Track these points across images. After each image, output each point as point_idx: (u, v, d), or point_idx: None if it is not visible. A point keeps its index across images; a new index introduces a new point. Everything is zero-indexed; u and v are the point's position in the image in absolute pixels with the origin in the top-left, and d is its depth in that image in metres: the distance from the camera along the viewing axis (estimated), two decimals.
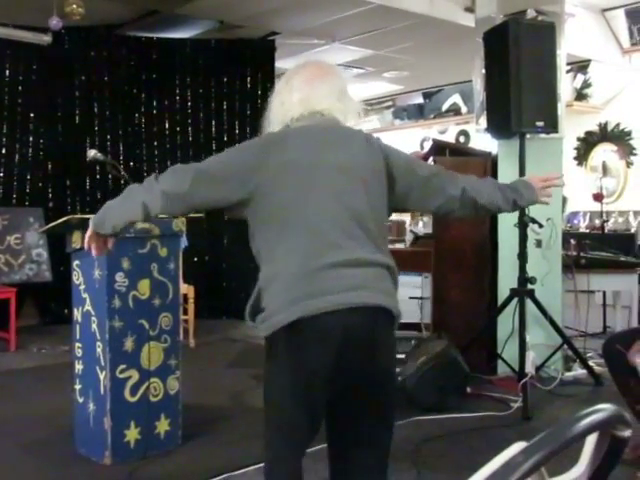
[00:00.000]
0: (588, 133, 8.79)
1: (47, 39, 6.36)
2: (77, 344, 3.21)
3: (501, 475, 0.67)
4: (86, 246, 1.93)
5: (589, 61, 8.32)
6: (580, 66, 8.45)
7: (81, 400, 3.19)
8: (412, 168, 1.93)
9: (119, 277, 3.06)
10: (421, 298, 5.92)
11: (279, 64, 7.47)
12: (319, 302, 1.69)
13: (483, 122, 4.71)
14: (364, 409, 1.83)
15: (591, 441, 0.84)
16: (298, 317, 1.69)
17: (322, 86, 1.91)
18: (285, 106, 1.93)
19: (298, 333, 1.71)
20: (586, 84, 8.59)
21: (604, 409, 0.78)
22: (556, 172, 2.15)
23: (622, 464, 2.99)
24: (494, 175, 4.67)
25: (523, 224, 4.04)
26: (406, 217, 6.87)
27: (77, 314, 3.20)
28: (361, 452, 1.87)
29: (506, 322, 4.28)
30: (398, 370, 4.15)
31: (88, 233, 1.90)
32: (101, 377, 3.06)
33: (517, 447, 0.72)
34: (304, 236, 1.75)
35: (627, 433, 0.82)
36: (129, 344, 3.09)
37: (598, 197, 6.88)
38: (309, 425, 1.84)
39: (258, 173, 1.80)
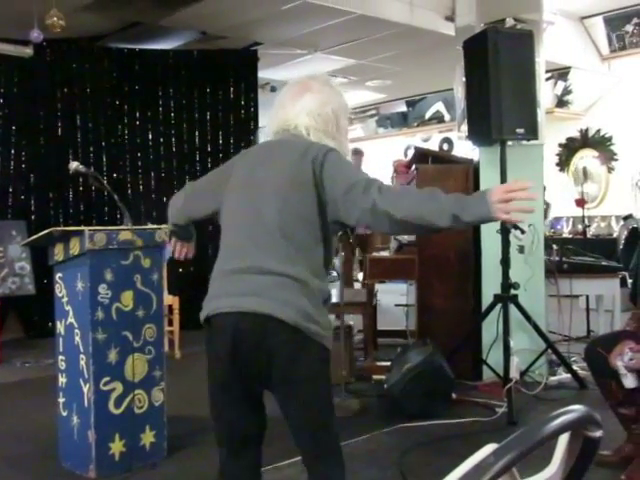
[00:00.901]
0: (569, 139, 8.89)
1: (28, 51, 6.34)
2: (60, 357, 3.19)
3: (472, 477, 0.68)
4: (171, 248, 2.35)
5: (569, 68, 8.42)
6: (560, 73, 8.55)
7: (65, 413, 3.17)
8: (336, 179, 1.85)
9: (102, 289, 3.05)
10: (406, 305, 5.93)
11: (262, 74, 7.51)
12: (218, 303, 1.87)
13: (465, 129, 4.75)
14: (284, 410, 1.92)
15: (563, 442, 0.85)
16: (206, 315, 1.90)
17: (297, 104, 1.99)
18: (271, 121, 2.08)
19: (208, 329, 1.92)
20: (567, 91, 8.69)
21: (574, 410, 0.79)
22: (526, 181, 1.70)
23: (607, 467, 3.00)
24: (476, 182, 4.71)
25: (505, 230, 4.07)
26: None
27: (60, 327, 3.18)
28: (303, 454, 1.99)
29: (490, 328, 4.31)
30: (384, 378, 4.17)
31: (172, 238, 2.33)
32: (85, 390, 3.05)
33: (488, 449, 0.73)
34: (225, 244, 1.97)
35: (598, 434, 0.83)
36: (113, 356, 3.08)
37: (580, 203, 6.95)
38: (232, 421, 1.96)
39: (224, 186, 2.01)
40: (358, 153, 7.47)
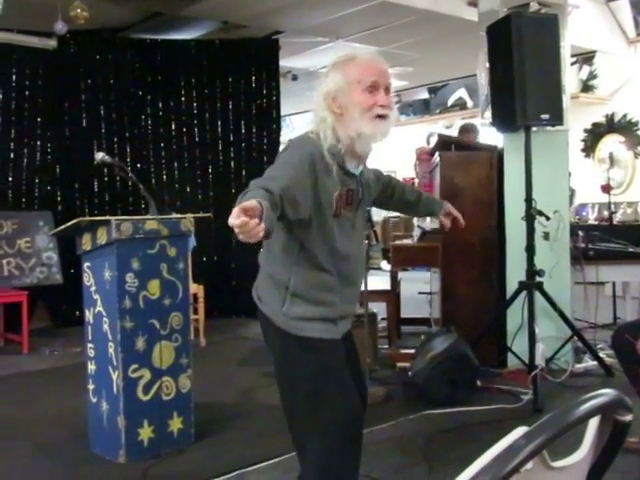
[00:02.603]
0: (595, 124, 8.76)
1: (52, 43, 6.40)
2: (89, 345, 3.25)
3: (504, 459, 0.69)
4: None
5: (595, 52, 8.29)
6: (586, 57, 8.42)
7: (94, 400, 3.23)
8: None
9: (129, 278, 3.09)
10: (430, 293, 5.93)
11: (283, 63, 7.50)
12: None
13: (488, 116, 4.71)
14: None
15: (593, 425, 0.86)
16: None
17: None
18: None
19: None
20: (592, 75, 8.56)
21: (604, 394, 0.79)
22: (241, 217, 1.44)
23: (632, 454, 2.98)
24: (500, 169, 4.67)
25: (530, 217, 4.04)
26: None
27: (88, 315, 3.23)
28: None
29: (515, 315, 4.29)
30: (408, 365, 4.19)
31: None
32: (114, 377, 3.10)
33: (519, 431, 0.74)
34: None
35: (628, 417, 0.83)
36: (140, 344, 3.12)
37: (606, 188, 6.86)
38: None
39: None
40: (465, 130, 6.95)
